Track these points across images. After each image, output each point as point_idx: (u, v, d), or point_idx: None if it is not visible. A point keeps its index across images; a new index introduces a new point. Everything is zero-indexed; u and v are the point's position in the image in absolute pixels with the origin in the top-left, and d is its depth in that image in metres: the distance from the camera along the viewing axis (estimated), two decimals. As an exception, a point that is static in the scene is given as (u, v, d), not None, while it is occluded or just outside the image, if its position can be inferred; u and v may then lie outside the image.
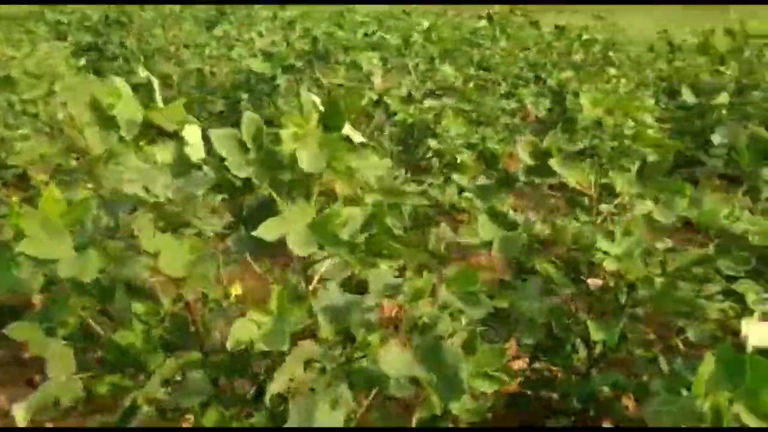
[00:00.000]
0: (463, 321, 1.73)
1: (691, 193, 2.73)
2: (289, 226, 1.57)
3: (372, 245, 1.64)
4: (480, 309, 1.67)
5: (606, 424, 2.77)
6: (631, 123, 2.87)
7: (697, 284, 2.43)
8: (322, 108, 1.68)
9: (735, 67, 5.87)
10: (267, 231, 1.58)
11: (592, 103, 2.88)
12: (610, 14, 10.20)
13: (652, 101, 6.13)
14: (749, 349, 0.93)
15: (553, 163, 2.70)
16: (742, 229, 2.48)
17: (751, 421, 0.95)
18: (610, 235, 2.54)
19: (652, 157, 2.80)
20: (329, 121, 1.68)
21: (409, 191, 2.06)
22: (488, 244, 2.71)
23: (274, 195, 1.65)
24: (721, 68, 5.90)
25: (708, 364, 0.94)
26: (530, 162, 2.76)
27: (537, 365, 2.94)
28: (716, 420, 0.95)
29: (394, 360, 1.61)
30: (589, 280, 2.74)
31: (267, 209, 1.68)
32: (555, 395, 2.90)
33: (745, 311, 2.33)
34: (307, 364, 1.71)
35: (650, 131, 2.86)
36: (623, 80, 6.41)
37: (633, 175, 2.75)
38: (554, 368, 2.91)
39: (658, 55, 8.53)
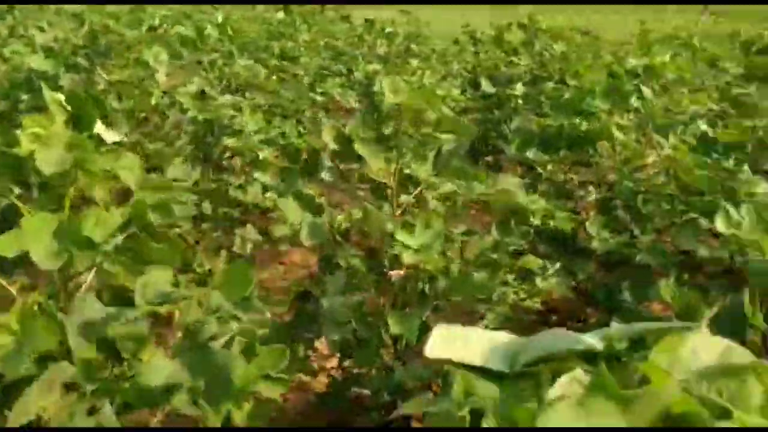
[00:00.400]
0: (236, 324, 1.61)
1: (488, 177, 2.80)
2: (30, 238, 1.37)
3: (133, 246, 1.49)
4: (252, 313, 1.56)
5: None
6: (430, 112, 2.89)
7: (493, 270, 2.49)
8: (68, 107, 1.50)
9: (528, 59, 6.20)
10: (4, 247, 1.38)
11: (393, 91, 2.87)
12: (415, 10, 10.49)
13: (458, 92, 6.34)
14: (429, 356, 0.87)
15: (357, 146, 2.68)
16: (526, 208, 2.56)
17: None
18: (409, 227, 2.53)
19: (448, 145, 2.84)
20: (78, 121, 1.51)
21: (177, 185, 1.90)
22: (297, 235, 2.65)
23: (17, 202, 1.45)
24: (515, 59, 6.20)
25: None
26: (335, 146, 2.74)
27: (347, 363, 2.89)
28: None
29: (160, 370, 1.50)
30: (392, 272, 2.72)
31: (11, 218, 1.47)
32: (366, 391, 2.86)
33: (534, 288, 2.42)
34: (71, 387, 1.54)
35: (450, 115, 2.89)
36: (428, 72, 6.57)
37: (430, 162, 2.77)
38: (363, 364, 2.87)
39: (462, 48, 8.86)
